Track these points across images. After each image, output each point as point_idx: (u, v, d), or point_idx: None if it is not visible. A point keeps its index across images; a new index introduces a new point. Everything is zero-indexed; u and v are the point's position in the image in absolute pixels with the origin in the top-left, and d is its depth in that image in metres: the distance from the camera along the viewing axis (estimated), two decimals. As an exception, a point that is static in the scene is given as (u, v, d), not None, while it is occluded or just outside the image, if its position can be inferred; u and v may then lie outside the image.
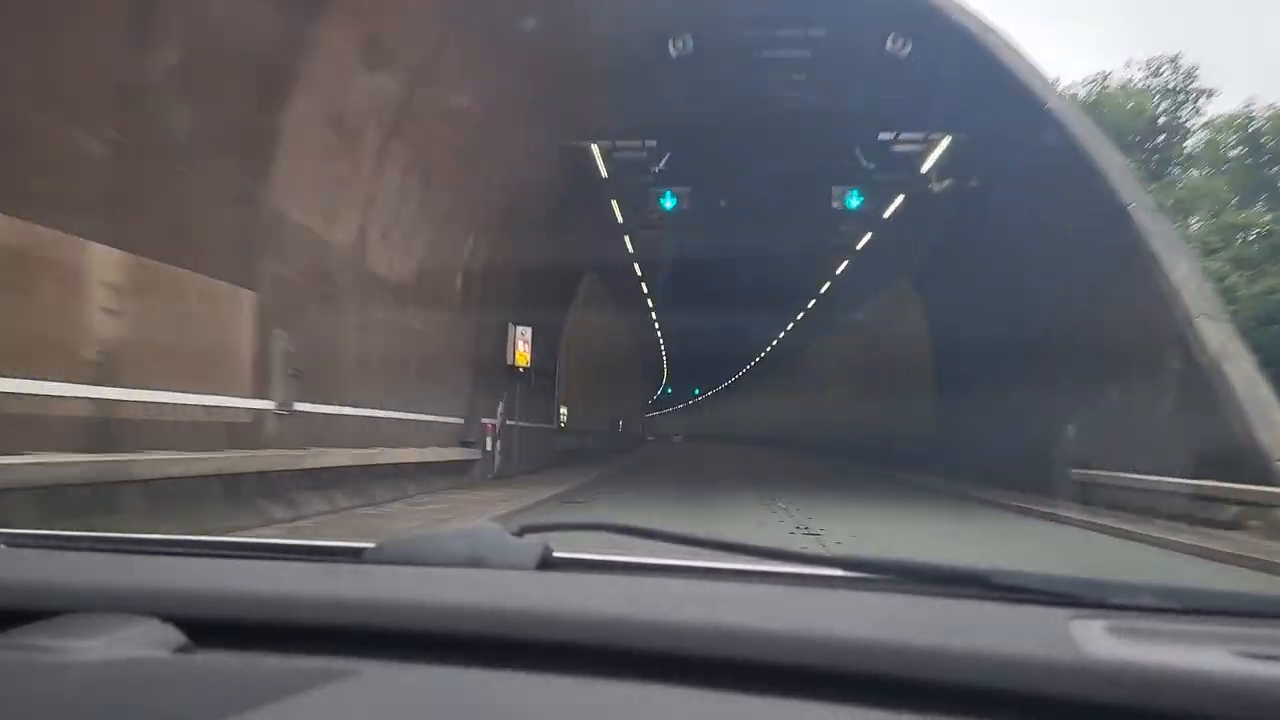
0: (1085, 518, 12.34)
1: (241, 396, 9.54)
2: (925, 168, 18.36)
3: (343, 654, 0.81)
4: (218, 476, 8.62)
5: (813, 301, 35.97)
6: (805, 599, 0.98)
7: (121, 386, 7.44)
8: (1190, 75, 34.05)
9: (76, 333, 7.12)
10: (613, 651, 0.80)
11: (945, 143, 17.38)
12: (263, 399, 9.89)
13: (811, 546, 8.53)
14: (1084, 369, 14.52)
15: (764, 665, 0.78)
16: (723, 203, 20.70)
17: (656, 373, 64.08)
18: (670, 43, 14.61)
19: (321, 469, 10.79)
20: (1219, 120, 33.18)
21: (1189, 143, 34.56)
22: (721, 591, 1.00)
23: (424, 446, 14.46)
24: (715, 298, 34.09)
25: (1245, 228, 28.72)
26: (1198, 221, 30.40)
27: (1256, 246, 27.53)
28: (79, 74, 7.02)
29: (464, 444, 16.71)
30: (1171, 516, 11.51)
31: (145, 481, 7.52)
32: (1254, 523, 10.58)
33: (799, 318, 40.89)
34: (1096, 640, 0.80)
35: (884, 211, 21.21)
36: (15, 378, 6.33)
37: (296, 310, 10.58)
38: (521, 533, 1.09)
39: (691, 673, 0.76)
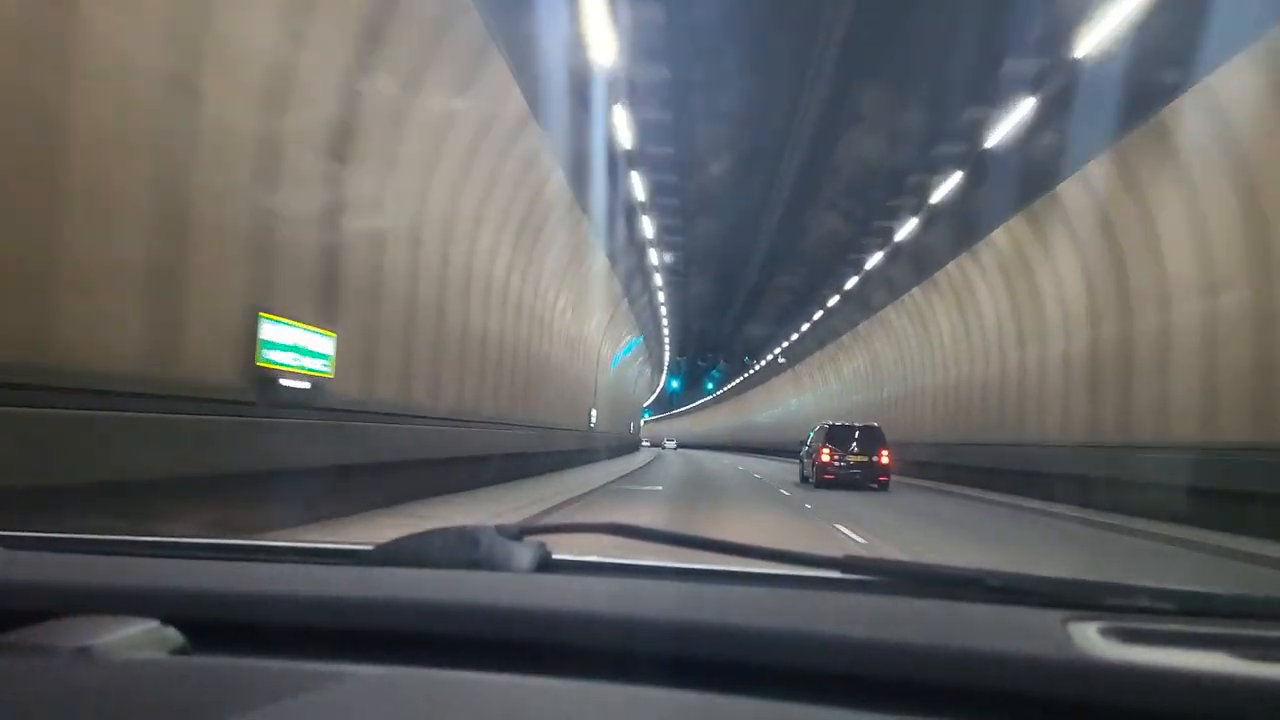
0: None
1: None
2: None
3: (341, 657, 0.81)
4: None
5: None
6: (804, 601, 0.98)
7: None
8: None
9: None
10: (611, 653, 0.80)
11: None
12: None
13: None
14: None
15: (763, 667, 0.78)
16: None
17: (654, 378, 65.31)
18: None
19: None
20: None
21: None
22: (720, 593, 1.00)
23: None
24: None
25: None
26: None
27: None
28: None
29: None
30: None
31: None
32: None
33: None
34: (1092, 641, 0.80)
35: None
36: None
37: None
38: (520, 534, 1.09)
39: (690, 675, 0.76)
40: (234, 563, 1.14)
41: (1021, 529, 13.26)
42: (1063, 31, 12.70)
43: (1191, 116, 12.29)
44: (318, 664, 0.79)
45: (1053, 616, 0.87)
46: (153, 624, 0.84)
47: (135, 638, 0.81)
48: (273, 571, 1.09)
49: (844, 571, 1.07)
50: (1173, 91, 12.34)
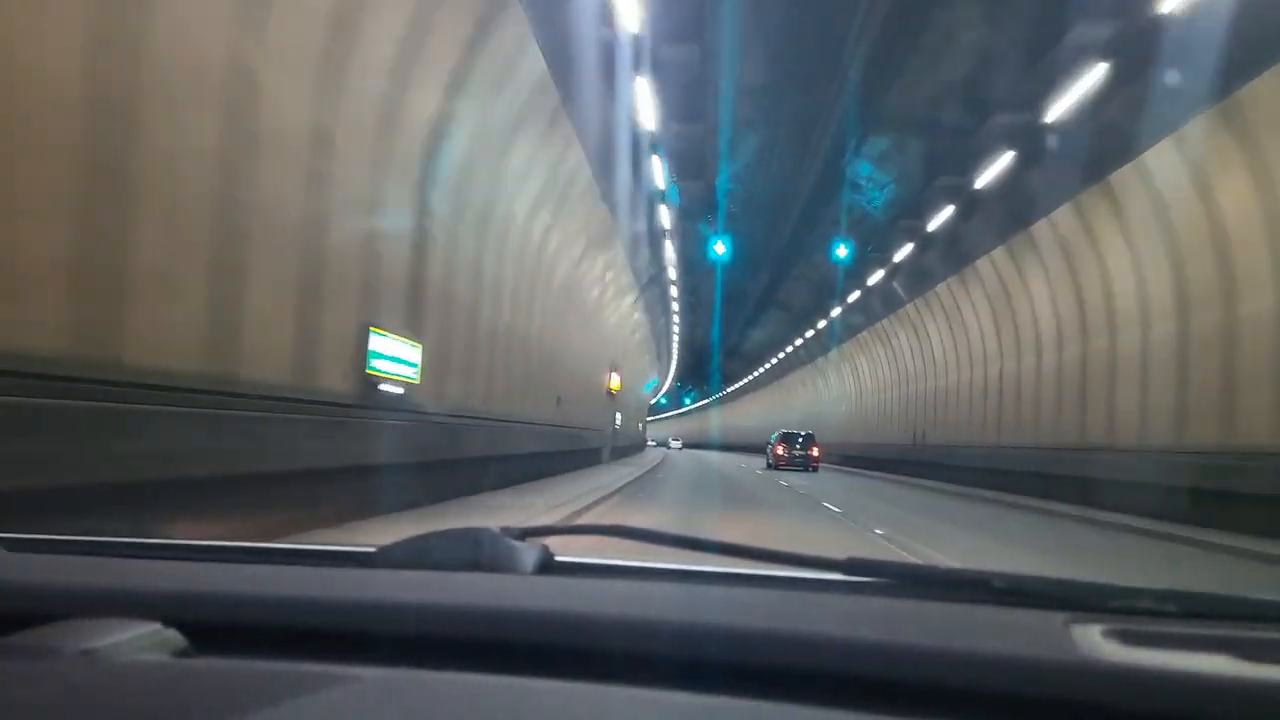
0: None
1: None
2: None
3: (344, 659, 0.81)
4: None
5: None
6: (806, 603, 0.98)
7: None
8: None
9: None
10: (614, 655, 0.80)
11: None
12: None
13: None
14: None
15: (766, 669, 0.78)
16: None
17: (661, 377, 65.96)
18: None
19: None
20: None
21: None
22: (723, 595, 1.00)
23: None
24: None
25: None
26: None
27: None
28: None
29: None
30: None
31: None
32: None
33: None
34: (1095, 643, 0.80)
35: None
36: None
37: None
38: (522, 536, 1.09)
39: (693, 677, 0.76)
40: (236, 565, 1.14)
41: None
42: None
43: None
44: (320, 666, 0.79)
45: (1056, 618, 0.87)
46: (155, 626, 0.83)
47: (137, 640, 0.81)
48: (275, 573, 1.09)
49: (847, 573, 1.07)
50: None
